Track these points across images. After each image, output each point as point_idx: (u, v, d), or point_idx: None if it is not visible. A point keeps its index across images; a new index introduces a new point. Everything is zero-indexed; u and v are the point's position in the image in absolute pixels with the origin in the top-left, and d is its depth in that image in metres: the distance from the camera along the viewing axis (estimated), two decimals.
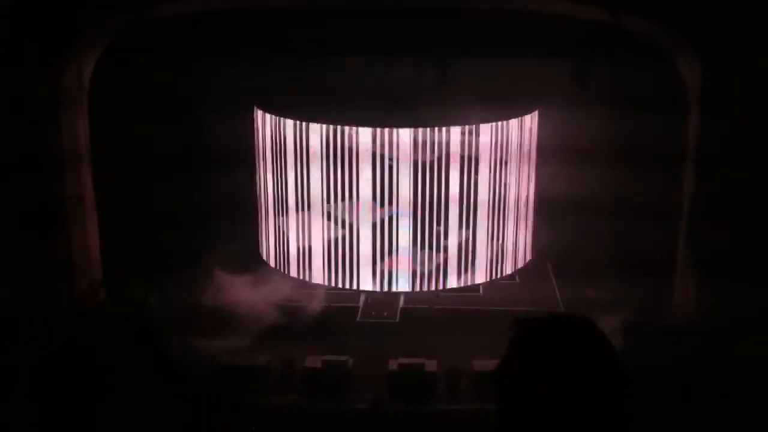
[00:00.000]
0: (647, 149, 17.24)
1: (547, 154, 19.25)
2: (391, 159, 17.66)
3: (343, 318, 18.39)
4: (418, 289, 18.63)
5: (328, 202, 18.29)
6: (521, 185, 19.19)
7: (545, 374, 2.56)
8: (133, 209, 17.33)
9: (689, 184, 16.94)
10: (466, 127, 17.77)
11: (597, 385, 2.59)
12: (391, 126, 17.59)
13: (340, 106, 18.00)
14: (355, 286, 18.82)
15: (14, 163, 15.69)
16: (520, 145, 18.71)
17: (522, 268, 20.00)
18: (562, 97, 17.94)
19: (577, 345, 2.64)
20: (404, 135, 17.57)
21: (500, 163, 18.36)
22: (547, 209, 19.67)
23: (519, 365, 2.62)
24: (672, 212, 17.27)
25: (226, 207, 18.97)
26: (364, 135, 17.64)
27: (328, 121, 17.72)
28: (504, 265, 19.35)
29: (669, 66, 16.86)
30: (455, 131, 17.73)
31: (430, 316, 18.29)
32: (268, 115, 18.75)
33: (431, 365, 16.36)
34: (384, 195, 17.95)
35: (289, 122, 18.12)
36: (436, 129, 17.63)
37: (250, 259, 19.50)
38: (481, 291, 19.47)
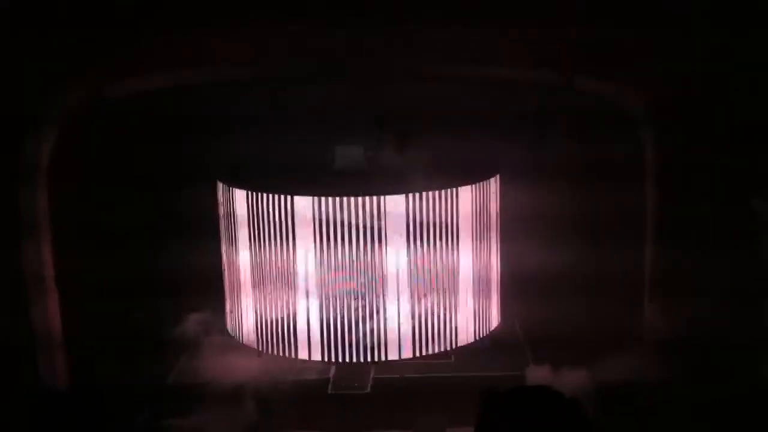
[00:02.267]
0: (610, 216, 17.40)
1: (511, 220, 19.41)
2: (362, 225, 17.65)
3: (313, 391, 18.10)
4: (384, 358, 18.47)
5: (294, 274, 18.22)
6: (484, 251, 19.25)
7: None
8: (94, 285, 17.11)
9: (650, 249, 17.06)
10: (423, 193, 17.87)
11: None
12: (342, 195, 17.59)
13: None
14: (326, 358, 18.61)
15: None
16: (478, 212, 18.79)
17: (490, 333, 19.96)
18: (522, 162, 18.16)
19: (546, 415, 2.59)
20: (354, 204, 17.54)
21: (457, 230, 18.38)
22: (515, 276, 19.72)
23: None
24: (638, 277, 17.35)
25: (193, 282, 18.80)
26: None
27: (274, 191, 17.73)
28: (472, 331, 19.31)
29: (627, 131, 17.13)
30: (407, 199, 17.80)
31: (402, 385, 18.09)
32: (232, 189, 18.76)
33: None
34: (352, 266, 17.94)
35: (243, 194, 18.15)
36: (391, 198, 17.69)
37: (217, 334, 19.27)
38: (452, 358, 19.33)
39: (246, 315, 19.30)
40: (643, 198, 16.99)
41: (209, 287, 19.75)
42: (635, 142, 16.99)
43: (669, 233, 16.07)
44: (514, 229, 19.48)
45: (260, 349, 18.85)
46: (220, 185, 19.28)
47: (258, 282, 18.74)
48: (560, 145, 17.70)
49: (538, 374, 17.22)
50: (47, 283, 16.90)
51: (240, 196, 18.50)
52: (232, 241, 19.06)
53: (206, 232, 19.42)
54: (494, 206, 19.44)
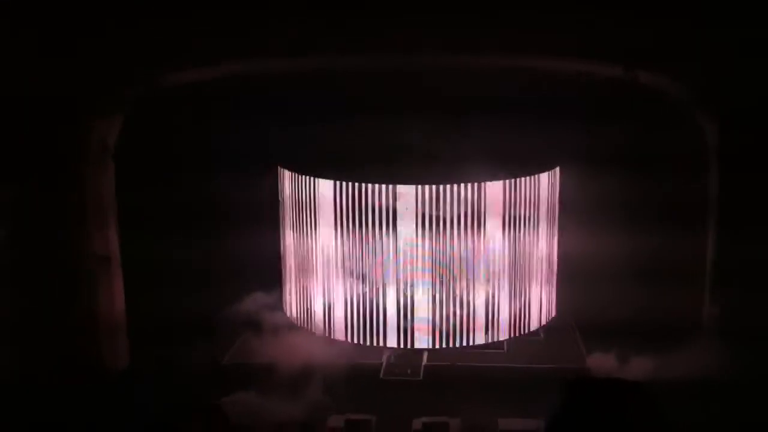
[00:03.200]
0: (670, 206, 17.27)
1: (570, 211, 19.36)
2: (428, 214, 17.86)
3: (366, 375, 18.27)
4: (438, 346, 18.63)
5: (351, 260, 18.46)
6: (542, 242, 19.25)
7: None
8: (158, 269, 17.51)
9: (712, 239, 16.86)
10: (484, 183, 17.96)
11: None
12: (410, 183, 17.78)
13: (359, 165, 18.25)
14: (378, 344, 18.80)
15: (42, 224, 16.00)
16: (540, 202, 18.81)
17: (545, 324, 19.96)
18: (582, 154, 18.08)
19: (626, 408, 2.66)
20: (421, 192, 17.77)
21: (519, 220, 18.46)
22: (571, 266, 19.66)
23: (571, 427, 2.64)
24: (696, 270, 17.14)
25: (250, 265, 19.12)
26: (378, 191, 17.98)
27: (351, 179, 17.99)
28: (527, 322, 19.33)
29: (688, 121, 16.94)
30: (474, 188, 17.91)
31: (454, 374, 18.15)
32: (294, 174, 19.03)
33: (455, 424, 16.17)
34: (407, 252, 18.12)
35: (321, 181, 18.39)
36: (458, 186, 17.82)
37: (274, 317, 19.58)
38: (505, 348, 19.34)
39: (307, 299, 19.57)
40: (704, 187, 16.84)
41: (268, 271, 20.07)
42: (696, 131, 16.81)
43: (731, 222, 15.89)
44: (571, 218, 19.43)
45: (325, 334, 19.16)
46: (281, 171, 19.54)
47: (319, 266, 18.97)
48: (620, 135, 17.58)
49: (600, 364, 17.18)
50: (112, 265, 17.35)
51: (303, 181, 18.78)
52: (294, 225, 19.32)
53: (265, 217, 19.73)
54: (554, 196, 19.45)
